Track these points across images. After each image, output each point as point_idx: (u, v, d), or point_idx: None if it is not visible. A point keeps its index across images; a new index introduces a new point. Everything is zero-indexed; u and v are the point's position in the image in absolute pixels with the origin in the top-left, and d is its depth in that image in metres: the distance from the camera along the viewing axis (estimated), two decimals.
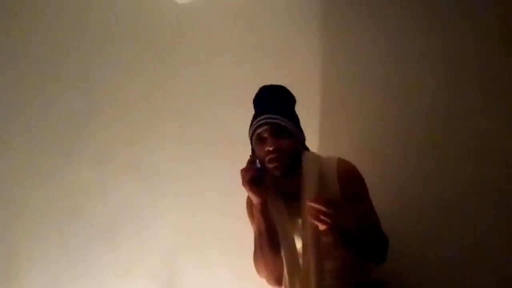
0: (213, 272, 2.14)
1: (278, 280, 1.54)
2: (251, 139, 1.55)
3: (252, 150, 1.55)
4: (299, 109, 1.60)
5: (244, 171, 1.46)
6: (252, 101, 1.59)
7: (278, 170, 1.47)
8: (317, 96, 2.04)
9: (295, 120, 1.55)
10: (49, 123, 2.58)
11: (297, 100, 1.60)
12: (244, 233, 1.69)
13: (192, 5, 2.33)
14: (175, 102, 2.33)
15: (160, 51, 2.40)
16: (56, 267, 2.46)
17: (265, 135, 1.48)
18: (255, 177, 1.45)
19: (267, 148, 1.46)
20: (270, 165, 1.46)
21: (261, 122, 1.48)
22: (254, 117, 1.54)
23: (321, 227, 1.33)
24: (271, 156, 1.45)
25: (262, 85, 1.63)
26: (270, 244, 1.49)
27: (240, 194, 1.69)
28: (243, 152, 1.55)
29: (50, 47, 2.64)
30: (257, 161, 1.50)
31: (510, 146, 1.74)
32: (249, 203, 1.63)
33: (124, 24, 2.50)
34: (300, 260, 1.50)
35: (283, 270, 1.52)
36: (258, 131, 1.49)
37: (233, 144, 2.15)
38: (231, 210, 2.07)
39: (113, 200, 2.38)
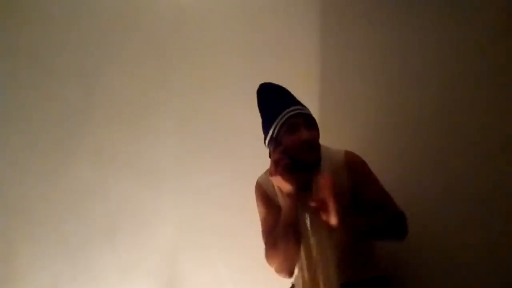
0: (215, 269, 2.14)
1: (292, 271, 1.52)
2: (279, 130, 1.54)
3: (278, 142, 1.54)
4: None
5: (277, 160, 1.47)
6: (251, 97, 1.58)
7: (312, 158, 1.51)
8: (316, 93, 2.04)
9: None
10: (47, 122, 2.58)
11: (296, 97, 1.61)
12: (245, 230, 1.69)
13: (191, 2, 2.32)
14: (174, 99, 2.33)
15: (159, 49, 2.40)
16: (56, 267, 2.45)
17: (299, 125, 1.52)
18: (289, 164, 1.47)
19: (303, 138, 1.49)
20: (305, 153, 1.49)
21: (294, 112, 1.52)
22: (274, 113, 1.55)
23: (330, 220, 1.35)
24: (308, 145, 1.50)
25: (261, 81, 1.64)
26: (296, 235, 1.48)
27: (241, 191, 1.70)
28: (243, 149, 1.55)
29: (47, 46, 2.63)
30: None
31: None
32: (261, 193, 1.63)
33: (122, 21, 2.49)
34: (314, 252, 1.49)
35: (298, 261, 1.51)
36: (291, 120, 1.52)
37: (233, 141, 2.15)
38: (232, 207, 2.07)
39: (113, 199, 2.38)
